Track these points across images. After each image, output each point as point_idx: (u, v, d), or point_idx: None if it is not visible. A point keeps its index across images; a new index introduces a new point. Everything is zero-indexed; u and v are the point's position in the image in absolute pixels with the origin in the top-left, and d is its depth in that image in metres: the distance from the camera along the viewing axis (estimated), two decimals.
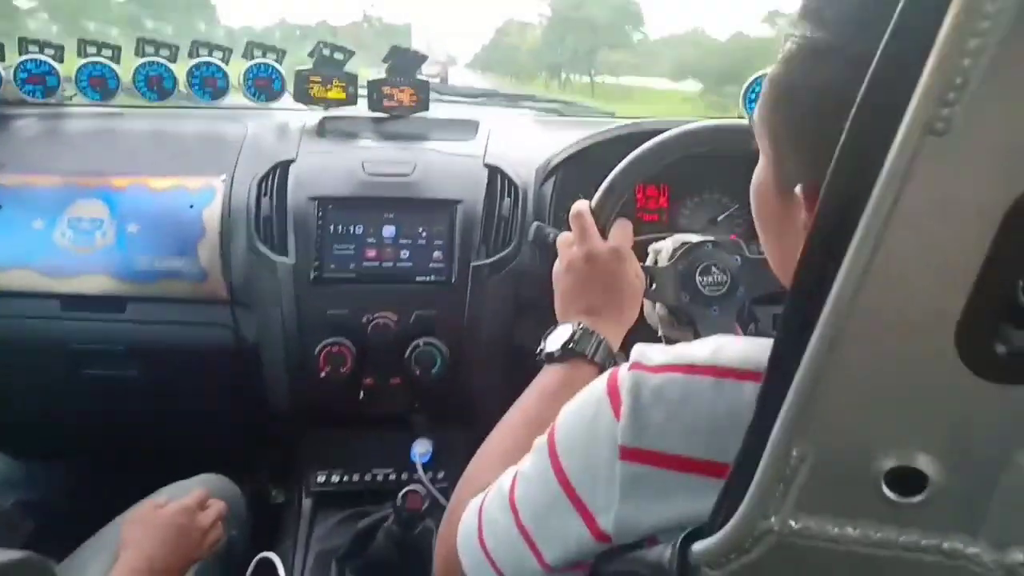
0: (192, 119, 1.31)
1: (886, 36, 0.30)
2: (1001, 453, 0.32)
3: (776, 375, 0.34)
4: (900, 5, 0.29)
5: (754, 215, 0.52)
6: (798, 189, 0.43)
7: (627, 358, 0.81)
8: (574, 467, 0.48)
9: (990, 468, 0.32)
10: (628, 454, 0.44)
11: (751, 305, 0.92)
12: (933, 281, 0.29)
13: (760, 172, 0.50)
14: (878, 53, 0.30)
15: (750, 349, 0.45)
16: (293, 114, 1.28)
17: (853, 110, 0.31)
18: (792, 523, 0.35)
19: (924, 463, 0.32)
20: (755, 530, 0.36)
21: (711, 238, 0.89)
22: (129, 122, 1.29)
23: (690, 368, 0.44)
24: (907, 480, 0.32)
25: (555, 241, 0.86)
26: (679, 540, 0.40)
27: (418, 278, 1.10)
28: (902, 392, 0.32)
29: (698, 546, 0.39)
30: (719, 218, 1.19)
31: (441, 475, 1.15)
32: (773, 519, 0.35)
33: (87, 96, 1.29)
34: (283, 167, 1.12)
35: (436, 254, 1.10)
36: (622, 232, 0.83)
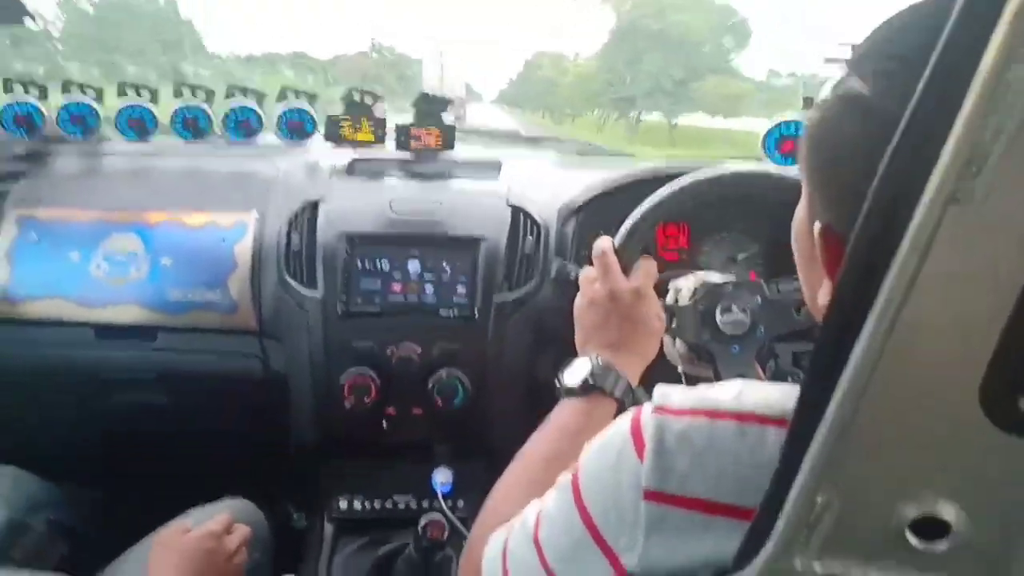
0: (226, 158, 1.35)
1: (912, 103, 0.30)
2: None
3: (802, 422, 0.36)
4: (926, 76, 0.30)
5: (793, 248, 0.54)
6: (816, 227, 0.45)
7: (646, 394, 0.83)
8: (598, 508, 0.50)
9: (1014, 519, 0.33)
10: (652, 496, 0.45)
11: (772, 343, 0.93)
12: (957, 341, 0.31)
13: (799, 208, 0.52)
14: (904, 121, 0.31)
15: (772, 395, 0.46)
16: (323, 155, 1.32)
17: (878, 175, 0.32)
18: (816, 566, 0.37)
19: (948, 512, 0.33)
20: (779, 572, 0.37)
21: (732, 278, 0.91)
22: (165, 161, 1.34)
23: (714, 413, 0.46)
24: (931, 528, 0.34)
25: (577, 278, 0.88)
26: None
27: (442, 312, 1.12)
28: (927, 443, 0.33)
29: None
30: (739, 257, 1.21)
31: (461, 504, 1.17)
32: (797, 561, 0.37)
33: (126, 136, 1.34)
34: (313, 205, 1.16)
35: (460, 289, 1.13)
36: (645, 271, 0.85)
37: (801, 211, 0.52)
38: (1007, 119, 0.27)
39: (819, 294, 0.48)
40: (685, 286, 0.92)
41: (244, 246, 1.16)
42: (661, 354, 0.88)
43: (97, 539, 1.20)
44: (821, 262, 0.45)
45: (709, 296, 0.90)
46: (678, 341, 0.91)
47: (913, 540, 0.34)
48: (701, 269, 0.97)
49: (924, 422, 0.33)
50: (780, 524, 0.36)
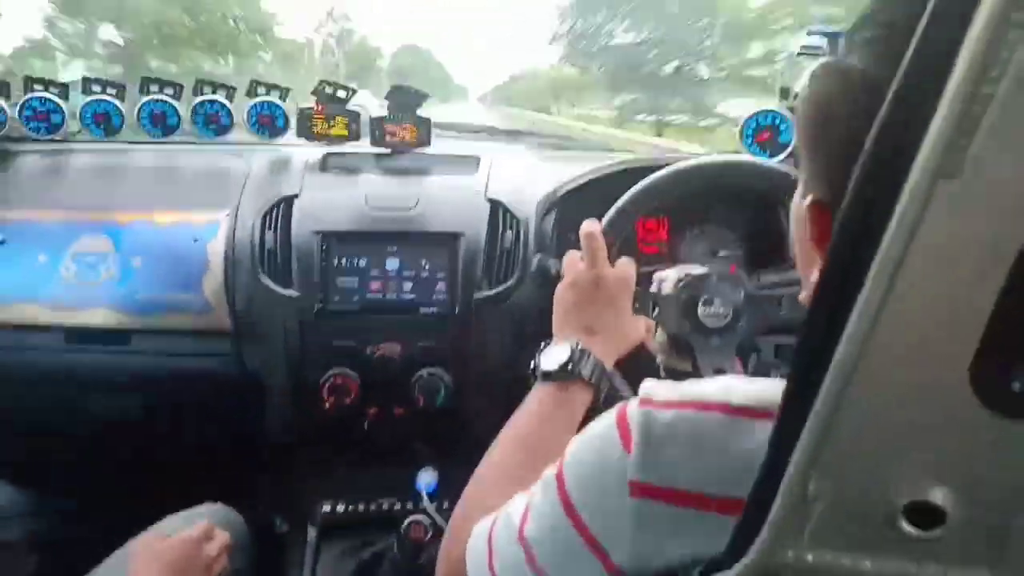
0: (196, 155, 1.33)
1: (900, 72, 0.30)
2: (1019, 487, 0.33)
3: (790, 411, 0.35)
4: (914, 43, 0.29)
5: (792, 230, 0.54)
6: (807, 200, 0.45)
7: (623, 381, 0.82)
8: (585, 504, 0.49)
9: (1008, 502, 0.33)
10: (639, 490, 0.45)
11: (754, 336, 0.93)
12: (947, 320, 0.30)
13: (797, 192, 0.51)
14: (891, 91, 0.30)
15: (759, 389, 0.46)
16: (296, 150, 1.30)
17: (866, 147, 0.31)
18: (808, 557, 0.36)
19: (941, 498, 0.33)
20: (771, 564, 0.37)
21: (716, 270, 0.91)
22: (133, 158, 1.31)
23: (701, 405, 0.45)
24: (925, 515, 0.33)
25: (558, 272, 0.87)
26: (695, 575, 0.41)
27: (422, 310, 1.11)
28: (918, 428, 0.32)
29: None
30: (719, 252, 1.21)
31: (446, 505, 1.15)
32: (789, 553, 0.36)
33: (91, 133, 1.30)
34: (287, 202, 1.14)
35: (439, 286, 1.11)
36: (628, 265, 0.85)
37: (798, 194, 0.51)
38: (997, 88, 0.26)
39: (812, 272, 0.48)
40: (669, 277, 0.92)
41: (217, 245, 1.13)
42: (640, 345, 0.88)
43: (73, 548, 1.17)
44: (810, 237, 0.45)
45: (692, 287, 0.90)
46: (659, 332, 0.91)
47: (907, 527, 0.34)
48: (681, 263, 0.97)
49: (915, 405, 0.32)
50: (771, 516, 0.36)
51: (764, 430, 0.42)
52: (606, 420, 0.50)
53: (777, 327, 0.94)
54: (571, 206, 1.13)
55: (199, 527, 0.95)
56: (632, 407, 0.48)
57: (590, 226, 0.83)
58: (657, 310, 0.90)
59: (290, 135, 1.31)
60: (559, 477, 0.52)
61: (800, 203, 0.50)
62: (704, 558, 0.42)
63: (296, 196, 1.14)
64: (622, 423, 0.48)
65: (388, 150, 1.26)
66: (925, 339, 0.31)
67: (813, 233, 0.45)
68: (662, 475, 0.45)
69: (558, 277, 0.86)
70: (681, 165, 0.92)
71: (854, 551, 0.35)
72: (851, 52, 0.42)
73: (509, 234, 1.12)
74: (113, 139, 1.32)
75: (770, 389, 0.45)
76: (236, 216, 1.15)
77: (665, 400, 0.47)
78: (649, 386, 0.49)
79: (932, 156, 0.28)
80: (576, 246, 0.85)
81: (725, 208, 1.19)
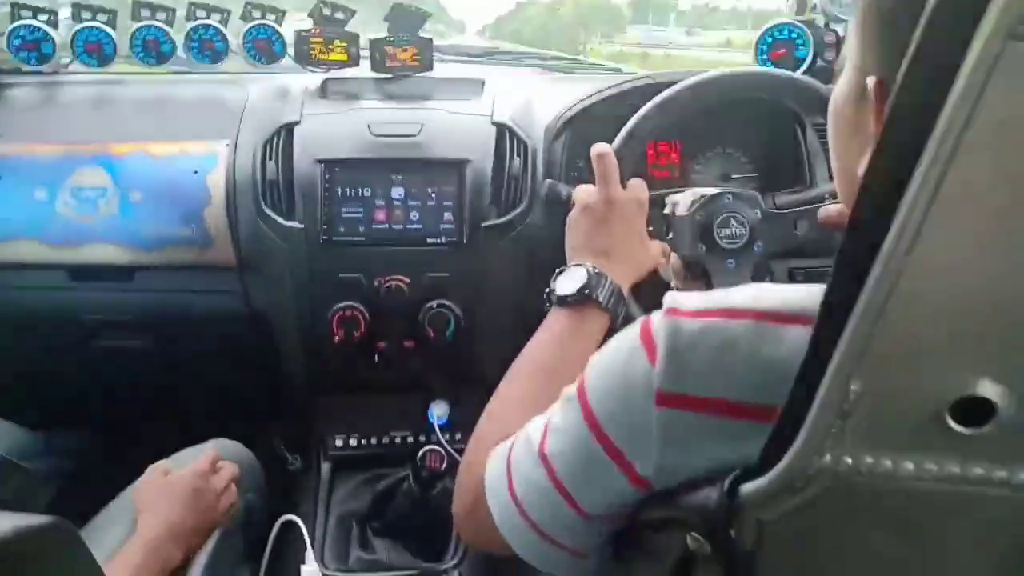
0: (192, 84, 1.28)
1: None
2: None
3: (833, 308, 0.33)
4: None
5: (829, 133, 0.51)
6: (870, 81, 0.42)
7: (638, 306, 0.81)
8: (609, 417, 0.48)
9: None
10: (665, 399, 0.44)
11: (768, 259, 0.91)
12: (1006, 202, 0.28)
13: (841, 83, 0.48)
14: None
15: (789, 294, 0.44)
16: (295, 77, 1.25)
17: (926, 12, 0.28)
18: (848, 460, 0.34)
19: (991, 391, 0.31)
20: (809, 469, 0.35)
21: (732, 190, 0.88)
22: (128, 88, 1.26)
23: (729, 312, 0.44)
24: (973, 410, 0.31)
25: (568, 198, 0.85)
26: (727, 483, 0.39)
27: (429, 240, 1.08)
28: (967, 318, 0.31)
29: (747, 488, 0.38)
30: (732, 175, 1.17)
31: (459, 436, 1.15)
32: (828, 456, 0.34)
33: (84, 62, 1.26)
34: (287, 130, 1.10)
35: (446, 215, 1.08)
36: (640, 187, 0.83)
37: (843, 84, 0.48)
38: None
39: (859, 166, 0.45)
40: (683, 199, 0.90)
41: (217, 177, 1.10)
42: (654, 270, 0.86)
43: (83, 486, 1.18)
44: (873, 121, 0.42)
45: (707, 207, 0.87)
46: (672, 255, 0.89)
47: (953, 424, 0.32)
48: (694, 187, 0.94)
49: (964, 294, 0.30)
50: (811, 417, 0.34)
51: (796, 336, 0.40)
52: (630, 332, 0.48)
53: (792, 250, 0.92)
54: (581, 129, 1.10)
55: (206, 458, 0.95)
56: (657, 317, 0.46)
57: (601, 147, 0.81)
58: (671, 233, 0.88)
59: (288, 61, 1.26)
60: (580, 392, 0.50)
61: (844, 92, 0.47)
62: (734, 468, 0.40)
63: (296, 124, 1.10)
64: (646, 334, 0.46)
65: (389, 74, 1.22)
66: (980, 225, 0.28)
67: (876, 117, 0.42)
68: (689, 384, 0.43)
69: (569, 203, 0.84)
70: (692, 80, 0.88)
71: (896, 451, 0.34)
72: None
73: (517, 160, 1.09)
74: (106, 69, 1.27)
75: (801, 294, 0.43)
76: (236, 146, 1.12)
77: (692, 309, 0.45)
78: (674, 296, 0.47)
79: (1002, 13, 0.25)
80: (586, 172, 0.82)
81: (739, 129, 1.15)
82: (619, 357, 0.48)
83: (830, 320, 0.33)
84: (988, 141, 0.27)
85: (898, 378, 0.32)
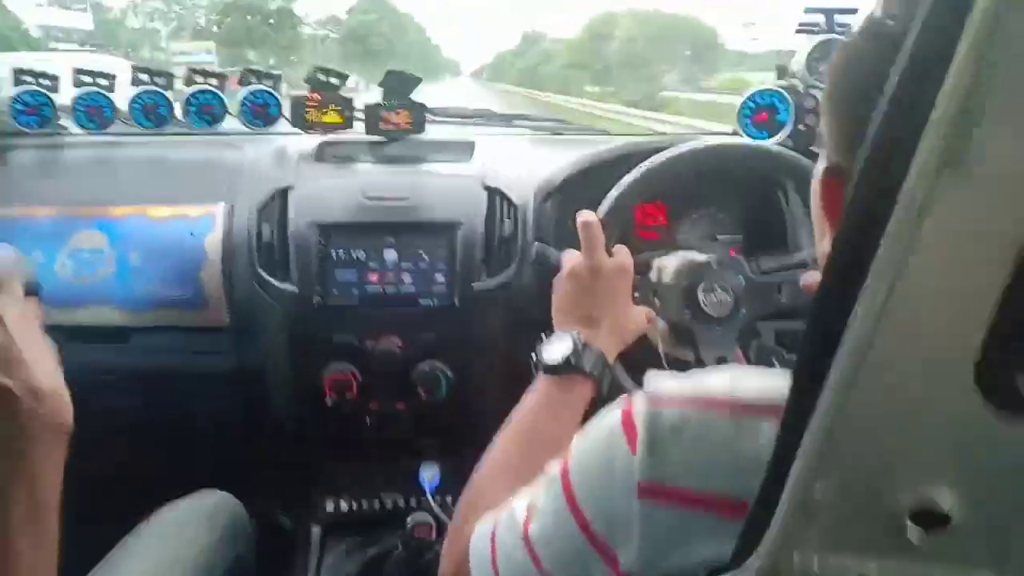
0: (189, 147, 1.31)
1: (902, 62, 0.28)
2: (1022, 488, 0.32)
3: (795, 412, 0.34)
4: (911, 38, 0.28)
5: (812, 212, 0.53)
6: (822, 166, 0.44)
7: (625, 373, 0.82)
8: (590, 503, 0.48)
9: (1014, 503, 0.32)
10: (646, 490, 0.44)
11: (754, 322, 0.92)
12: (953, 314, 0.29)
13: (817, 166, 0.50)
14: (893, 84, 0.29)
15: (766, 383, 0.45)
16: (290, 139, 1.28)
17: (869, 141, 0.30)
18: (815, 562, 0.35)
19: (947, 500, 0.32)
20: (777, 567, 0.36)
21: (716, 256, 0.90)
22: (126, 151, 1.29)
23: (708, 403, 0.44)
24: (931, 517, 0.32)
25: (558, 261, 0.86)
26: None
27: (421, 302, 1.10)
28: (923, 428, 0.31)
29: None
30: (718, 236, 1.20)
31: (450, 499, 1.15)
32: (796, 556, 0.35)
33: (83, 125, 1.29)
34: (283, 193, 1.12)
35: (438, 277, 1.10)
36: (625, 254, 0.84)
37: (820, 162, 0.49)
38: (998, 74, 0.25)
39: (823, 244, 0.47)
40: (669, 265, 0.91)
41: (214, 239, 1.12)
42: (642, 336, 0.87)
43: (73, 547, 1.16)
44: (822, 206, 0.43)
45: (692, 275, 0.89)
46: (659, 321, 0.90)
47: (912, 530, 0.33)
48: (681, 248, 0.96)
49: (920, 404, 0.31)
50: (778, 517, 0.35)
51: (771, 428, 0.41)
52: (611, 418, 0.49)
53: (777, 313, 0.93)
54: (570, 192, 1.12)
55: None
56: (638, 405, 0.47)
57: (586, 216, 0.82)
58: (657, 299, 0.89)
59: (283, 124, 1.29)
60: (564, 475, 0.51)
61: (819, 171, 0.48)
62: (712, 563, 0.41)
63: (292, 187, 1.13)
64: (627, 420, 0.47)
65: (383, 137, 1.24)
66: (930, 335, 0.30)
67: (824, 202, 0.44)
68: (668, 476, 0.43)
69: (558, 267, 0.85)
70: (675, 151, 0.91)
71: (860, 554, 0.34)
72: (885, 9, 0.41)
73: (508, 222, 1.11)
74: (105, 132, 1.30)
75: (777, 384, 0.44)
76: (232, 209, 1.13)
77: (670, 397, 0.45)
78: (654, 382, 0.47)
79: (935, 144, 0.27)
80: (576, 234, 0.84)
81: (723, 192, 1.17)
82: (600, 444, 0.49)
83: (792, 424, 0.34)
84: (929, 257, 0.28)
85: (857, 484, 0.33)
